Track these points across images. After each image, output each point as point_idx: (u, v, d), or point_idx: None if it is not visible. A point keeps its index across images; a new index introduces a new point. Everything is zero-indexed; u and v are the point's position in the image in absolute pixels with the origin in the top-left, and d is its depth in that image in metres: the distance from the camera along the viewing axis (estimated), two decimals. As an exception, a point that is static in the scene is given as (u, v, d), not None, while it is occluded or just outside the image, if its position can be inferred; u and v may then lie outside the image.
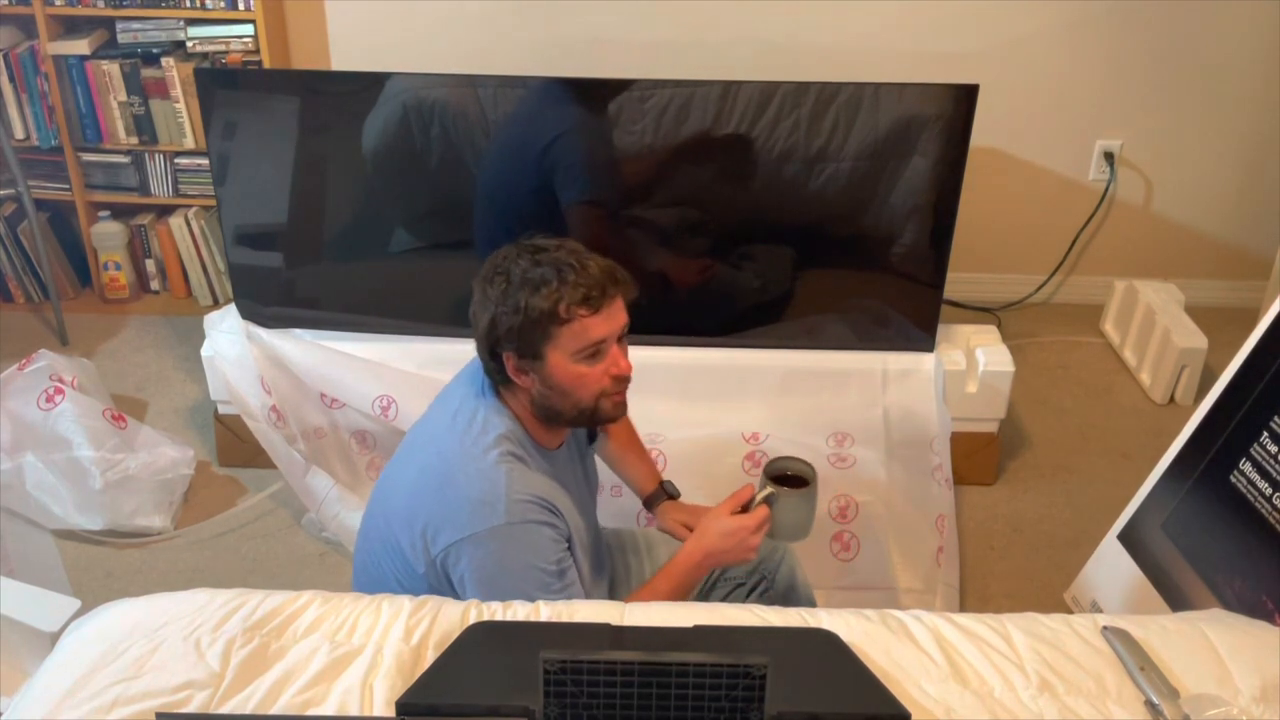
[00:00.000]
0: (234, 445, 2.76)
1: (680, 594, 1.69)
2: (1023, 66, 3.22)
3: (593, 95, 2.52)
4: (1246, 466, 1.98)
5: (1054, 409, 3.08)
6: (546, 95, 2.52)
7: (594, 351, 1.57)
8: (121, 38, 3.18)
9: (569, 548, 1.64)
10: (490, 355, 1.60)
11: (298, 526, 2.61)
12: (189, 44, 3.17)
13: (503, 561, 1.56)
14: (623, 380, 1.61)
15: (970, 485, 2.75)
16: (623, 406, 1.65)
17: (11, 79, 3.21)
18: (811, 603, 1.93)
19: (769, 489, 1.71)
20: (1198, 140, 3.33)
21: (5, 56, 3.19)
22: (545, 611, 1.49)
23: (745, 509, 1.70)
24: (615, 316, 1.58)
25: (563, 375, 1.57)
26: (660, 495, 1.95)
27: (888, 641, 1.44)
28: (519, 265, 1.56)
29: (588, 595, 1.66)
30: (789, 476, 1.75)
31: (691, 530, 1.79)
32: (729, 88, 2.47)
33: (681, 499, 1.96)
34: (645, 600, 1.65)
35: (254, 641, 1.39)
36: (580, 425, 1.70)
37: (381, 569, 1.69)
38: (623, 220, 2.60)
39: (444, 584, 1.61)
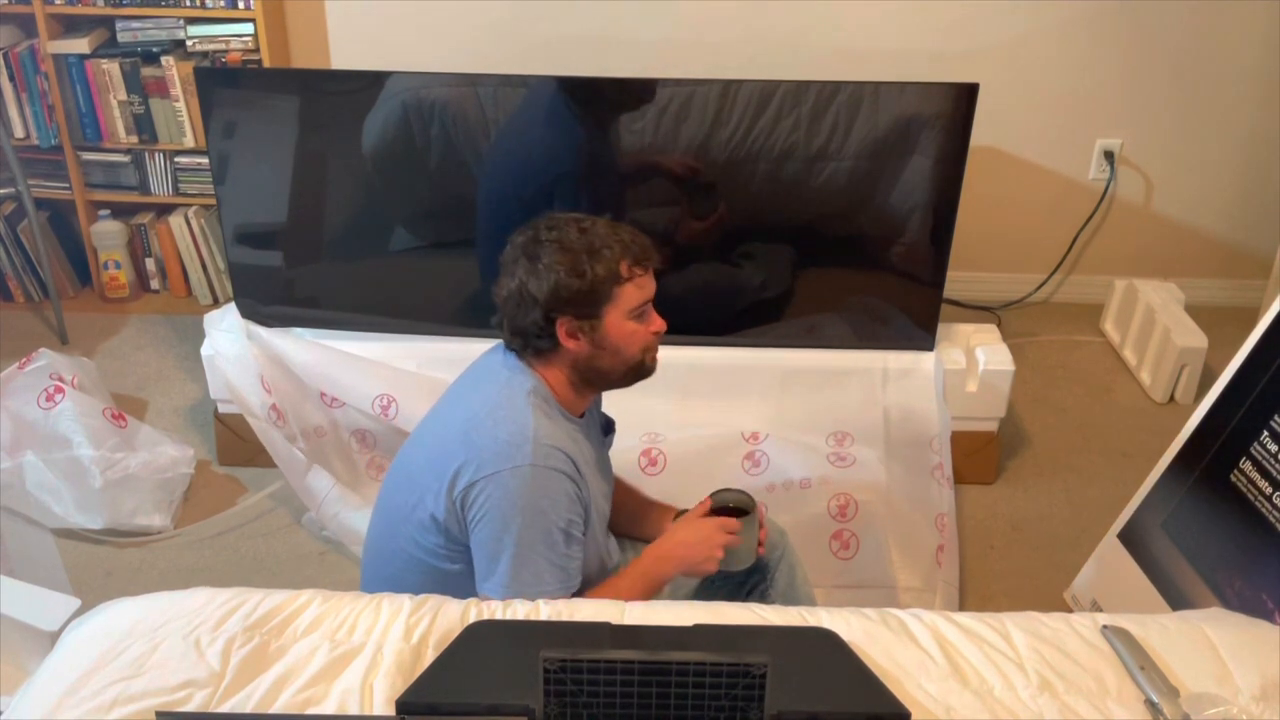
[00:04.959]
0: (234, 444, 2.76)
1: (642, 586, 1.71)
2: (1023, 66, 3.22)
3: (598, 121, 2.52)
4: (1247, 466, 1.98)
5: (1054, 408, 3.08)
6: (551, 117, 2.52)
7: (643, 310, 1.68)
8: (121, 37, 3.18)
9: (585, 519, 1.67)
10: (545, 320, 1.64)
11: (298, 525, 2.61)
12: (189, 43, 3.16)
13: (518, 502, 1.60)
14: (660, 336, 1.74)
15: (970, 484, 2.75)
16: (656, 361, 1.76)
17: (11, 78, 3.21)
18: (811, 602, 1.93)
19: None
20: (1198, 140, 3.33)
21: (5, 56, 3.18)
22: (545, 610, 1.49)
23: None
24: (653, 280, 1.71)
25: (618, 333, 1.67)
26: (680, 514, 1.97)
27: (888, 640, 1.44)
28: (568, 234, 1.64)
29: (603, 568, 1.72)
30: (730, 508, 1.80)
31: None
32: (729, 87, 2.47)
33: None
34: (606, 595, 1.67)
35: (254, 640, 1.40)
36: (623, 383, 1.76)
37: (397, 538, 1.71)
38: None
39: (460, 527, 1.64)
